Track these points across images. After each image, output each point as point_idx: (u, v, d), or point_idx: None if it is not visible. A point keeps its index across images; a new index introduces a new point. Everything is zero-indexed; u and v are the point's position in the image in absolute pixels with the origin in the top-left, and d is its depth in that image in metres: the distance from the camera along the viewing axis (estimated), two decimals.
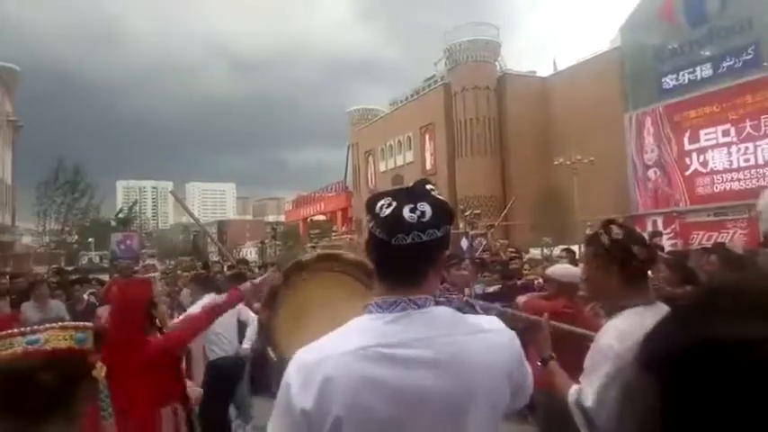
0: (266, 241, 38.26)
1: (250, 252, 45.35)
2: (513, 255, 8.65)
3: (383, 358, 1.11)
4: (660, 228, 22.36)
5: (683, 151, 24.88)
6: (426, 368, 1.12)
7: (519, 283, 6.60)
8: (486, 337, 1.20)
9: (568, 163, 25.99)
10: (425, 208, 1.15)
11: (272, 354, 1.99)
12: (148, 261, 15.44)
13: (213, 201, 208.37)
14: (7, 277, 8.04)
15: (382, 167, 43.19)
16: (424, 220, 1.14)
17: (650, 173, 26.49)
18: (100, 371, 1.32)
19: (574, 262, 8.14)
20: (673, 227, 23.61)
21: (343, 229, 45.43)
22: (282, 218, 74.38)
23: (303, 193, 62.23)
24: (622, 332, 1.83)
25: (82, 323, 1.37)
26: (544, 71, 37.41)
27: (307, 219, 53.44)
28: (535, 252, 16.29)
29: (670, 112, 25.11)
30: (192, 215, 7.54)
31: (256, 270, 8.85)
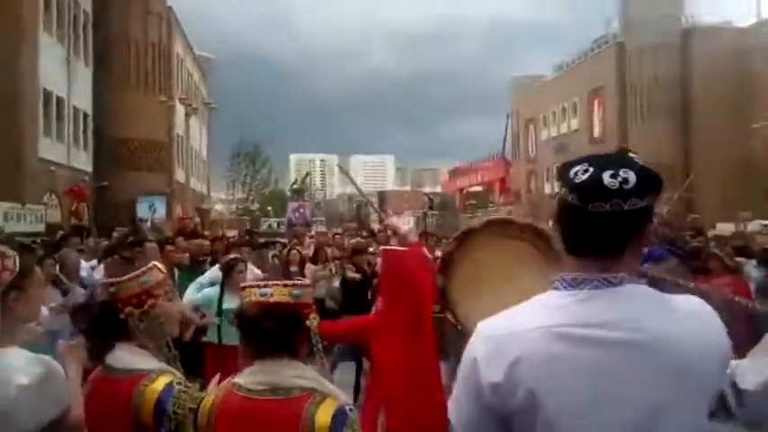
0: (426, 211, 39.05)
1: (408, 221, 46.74)
2: (694, 231, 7.72)
3: (574, 338, 1.06)
4: None
5: None
6: (622, 351, 1.04)
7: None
8: (693, 321, 1.09)
9: None
10: (629, 174, 1.05)
11: (450, 318, 2.04)
12: (319, 227, 16.73)
13: (374, 172, 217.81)
14: (208, 240, 9.26)
15: (544, 136, 41.20)
16: (627, 187, 1.04)
17: None
18: (312, 321, 1.57)
19: None
20: None
21: (501, 200, 44.46)
22: (439, 188, 75.16)
23: (460, 164, 62.06)
24: None
25: (301, 282, 1.66)
26: (743, 21, 32.17)
27: (463, 189, 53.23)
28: (724, 227, 14.39)
29: None
30: (357, 187, 7.90)
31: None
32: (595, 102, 35.36)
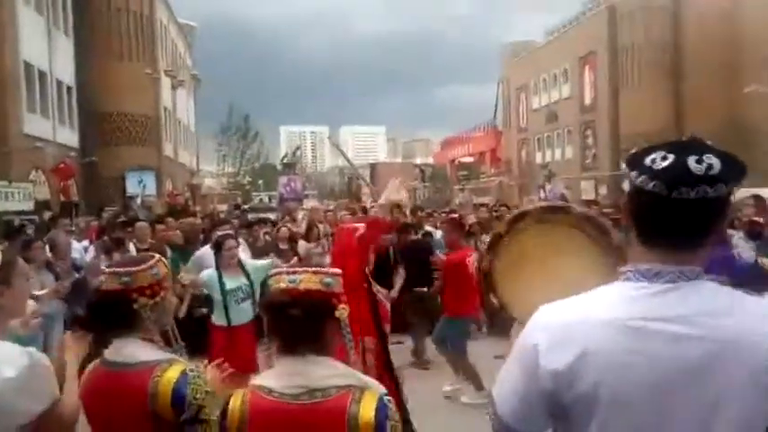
0: (417, 184, 38.99)
1: (400, 190, 46.57)
2: None
3: (648, 332, 1.05)
4: None
5: None
6: (695, 347, 1.03)
7: None
8: (765, 321, 1.05)
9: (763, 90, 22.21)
10: (713, 160, 1.02)
11: (493, 300, 1.99)
12: (312, 202, 16.67)
13: (365, 144, 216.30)
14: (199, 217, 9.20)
15: (535, 104, 40.92)
16: (713, 172, 1.01)
17: None
18: (342, 312, 1.52)
19: (762, 211, 7.04)
20: None
21: (492, 170, 44.40)
22: (430, 159, 74.85)
23: (451, 135, 61.72)
24: None
25: (332, 270, 1.59)
26: None
27: (454, 160, 53.10)
28: None
29: None
30: (348, 161, 7.90)
31: (408, 214, 8.98)
32: (586, 68, 35.06)
